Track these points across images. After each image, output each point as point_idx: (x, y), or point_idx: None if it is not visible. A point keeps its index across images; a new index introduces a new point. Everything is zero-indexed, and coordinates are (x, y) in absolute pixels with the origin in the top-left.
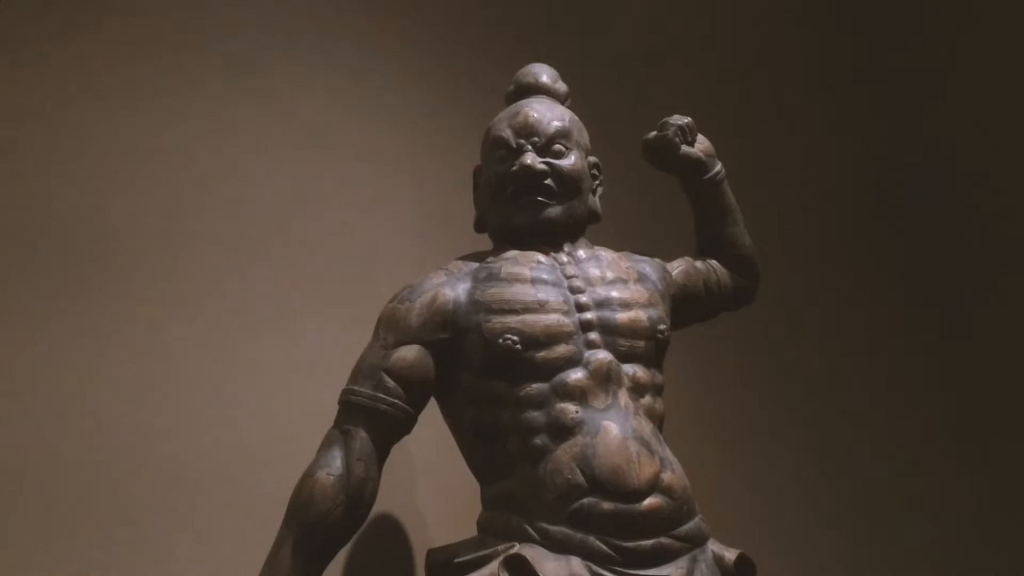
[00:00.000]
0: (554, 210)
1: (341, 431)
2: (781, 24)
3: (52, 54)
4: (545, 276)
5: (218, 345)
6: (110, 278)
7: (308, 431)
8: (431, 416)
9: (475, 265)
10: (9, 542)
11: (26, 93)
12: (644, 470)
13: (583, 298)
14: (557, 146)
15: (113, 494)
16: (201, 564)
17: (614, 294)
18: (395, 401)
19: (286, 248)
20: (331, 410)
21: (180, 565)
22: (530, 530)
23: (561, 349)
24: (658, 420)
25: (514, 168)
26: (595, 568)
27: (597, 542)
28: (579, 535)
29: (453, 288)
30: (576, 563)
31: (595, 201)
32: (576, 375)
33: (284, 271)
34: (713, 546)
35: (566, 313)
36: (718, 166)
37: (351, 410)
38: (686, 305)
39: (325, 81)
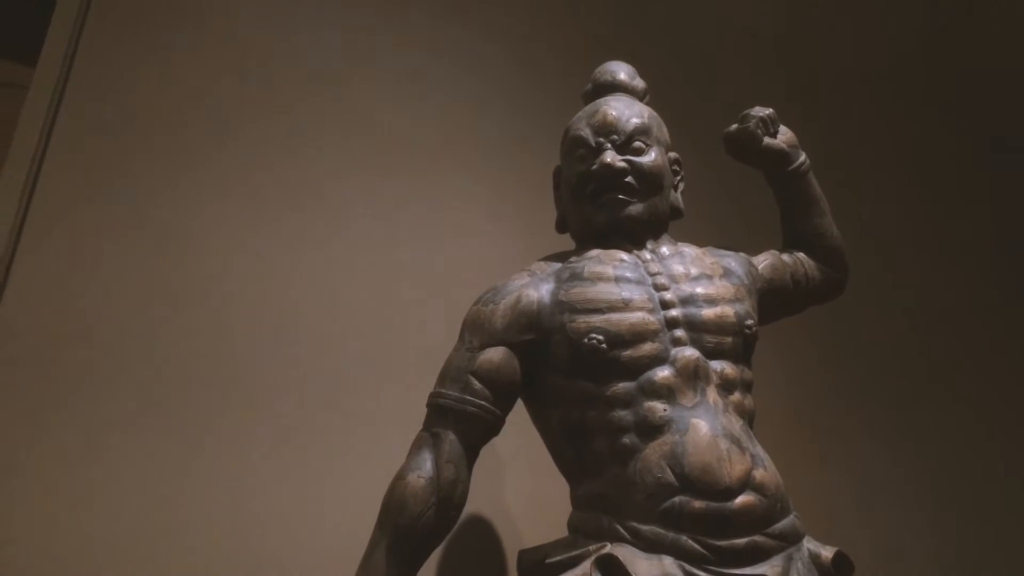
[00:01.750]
0: (635, 208)
1: (430, 434)
2: (859, 15)
3: (140, 72)
4: (628, 274)
5: (313, 343)
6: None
7: (399, 434)
8: (519, 417)
9: (558, 265)
10: None
11: (112, 109)
12: (735, 467)
13: (668, 295)
14: (637, 143)
15: None
16: None
17: (699, 290)
18: (482, 403)
19: (367, 252)
20: (420, 413)
21: None
22: (621, 530)
23: (647, 347)
24: (748, 416)
25: (594, 167)
26: (688, 567)
27: (690, 541)
28: (671, 534)
29: (537, 289)
30: (669, 562)
31: (677, 197)
32: (663, 373)
33: (365, 277)
34: (809, 544)
35: (651, 311)
36: (802, 156)
37: (439, 413)
38: (774, 299)
39: (400, 91)
